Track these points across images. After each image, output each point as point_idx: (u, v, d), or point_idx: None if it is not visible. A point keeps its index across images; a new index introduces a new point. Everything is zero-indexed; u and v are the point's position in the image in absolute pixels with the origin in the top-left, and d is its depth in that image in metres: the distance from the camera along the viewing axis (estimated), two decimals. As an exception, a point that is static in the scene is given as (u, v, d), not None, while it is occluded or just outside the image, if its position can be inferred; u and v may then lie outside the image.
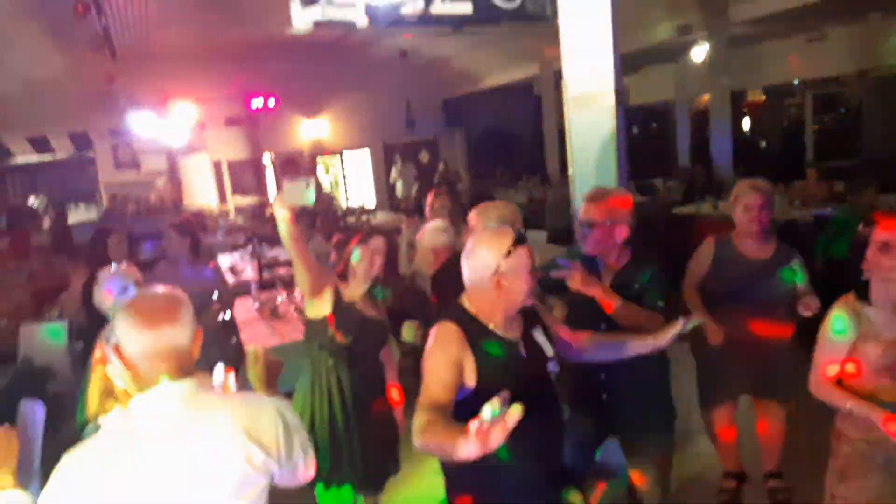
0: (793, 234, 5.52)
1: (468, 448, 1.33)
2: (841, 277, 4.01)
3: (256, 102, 13.07)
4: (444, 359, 1.81)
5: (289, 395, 2.82)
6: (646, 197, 8.82)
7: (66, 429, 2.63)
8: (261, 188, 14.32)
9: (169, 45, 10.05)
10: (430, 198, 4.07)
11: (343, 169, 14.63)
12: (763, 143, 12.94)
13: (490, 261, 1.87)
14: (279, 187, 13.53)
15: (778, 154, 11.85)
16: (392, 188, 14.44)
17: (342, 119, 14.34)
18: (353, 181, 14.74)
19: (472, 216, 2.87)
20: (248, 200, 14.39)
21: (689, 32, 8.92)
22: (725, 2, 7.98)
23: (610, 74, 3.20)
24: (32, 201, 14.69)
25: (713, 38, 8.69)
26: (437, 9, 2.86)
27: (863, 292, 2.16)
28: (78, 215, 13.18)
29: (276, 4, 7.99)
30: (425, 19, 2.86)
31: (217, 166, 14.32)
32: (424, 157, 15.37)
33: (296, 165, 13.71)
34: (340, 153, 14.48)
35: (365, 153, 14.67)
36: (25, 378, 4.16)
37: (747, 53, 10.27)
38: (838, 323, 2.16)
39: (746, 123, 13.32)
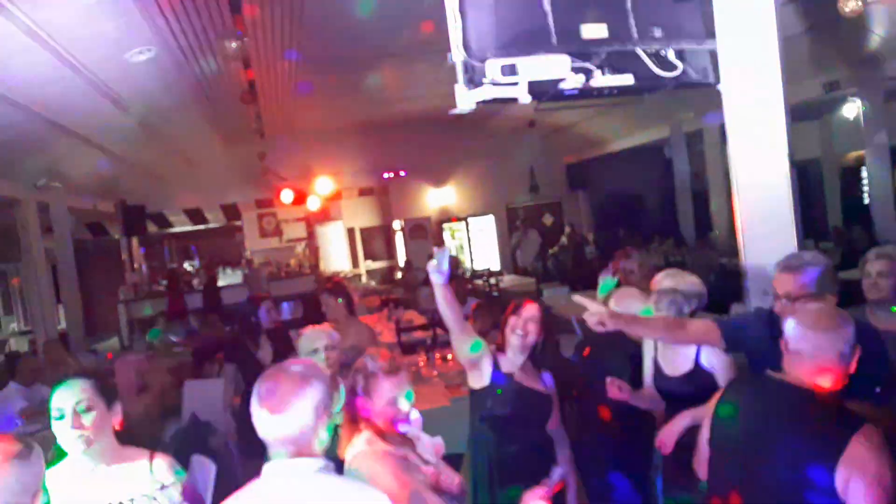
0: None
1: None
2: None
3: (388, 174, 13.81)
4: None
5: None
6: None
7: (225, 483, 2.75)
8: (391, 253, 14.87)
9: (311, 125, 10.93)
10: (618, 261, 4.02)
11: (468, 234, 14.89)
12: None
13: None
14: (408, 252, 14.02)
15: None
16: (513, 254, 14.49)
17: (468, 187, 14.73)
18: (479, 246, 14.94)
19: (660, 279, 2.80)
20: (378, 265, 14.99)
21: (837, 89, 8.47)
22: (878, 58, 7.53)
23: (781, 131, 3.08)
24: (188, 266, 16.11)
25: (866, 94, 8.19)
26: (598, 81, 2.89)
27: None
28: (225, 279, 14.21)
29: (411, 83, 8.47)
30: (586, 93, 2.90)
31: (351, 233, 15.07)
32: (548, 219, 15.40)
33: (423, 231, 14.13)
34: (466, 219, 14.79)
35: (489, 219, 14.89)
36: (192, 433, 4.41)
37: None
38: None
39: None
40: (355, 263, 14.94)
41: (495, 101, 2.83)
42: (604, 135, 13.42)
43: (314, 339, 3.05)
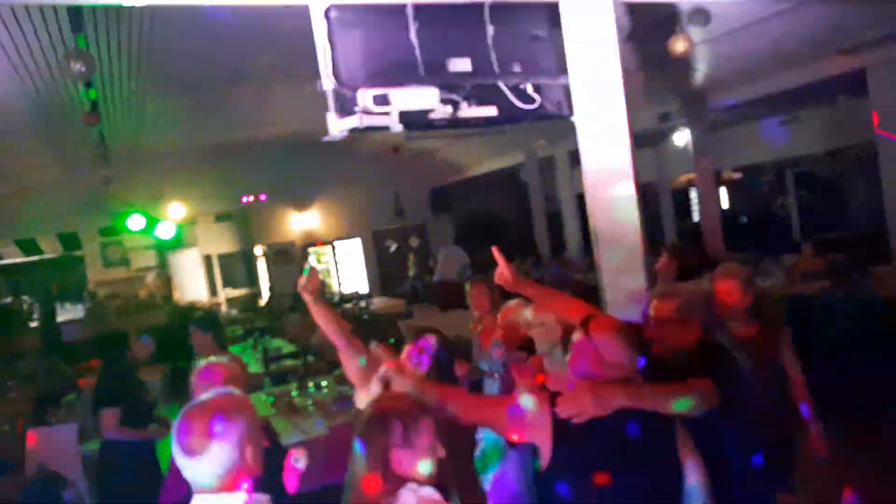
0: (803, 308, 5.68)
1: None
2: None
3: (247, 198, 13.35)
4: None
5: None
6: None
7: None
8: (252, 280, 14.33)
9: (161, 149, 10.34)
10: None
11: (335, 258, 14.73)
12: (744, 219, 13.37)
13: None
14: (272, 278, 13.59)
15: (761, 229, 12.23)
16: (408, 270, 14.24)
17: (332, 211, 14.60)
18: (346, 269, 14.82)
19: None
20: (239, 292, 14.36)
21: (669, 119, 9.41)
22: (703, 91, 8.46)
23: (627, 157, 3.39)
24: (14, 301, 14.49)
25: (693, 124, 9.16)
26: (465, 113, 3.03)
27: None
28: (65, 314, 13.00)
29: (274, 108, 8.30)
30: (454, 122, 3.02)
31: (207, 260, 14.37)
32: (414, 241, 15.63)
33: (288, 256, 13.80)
34: (332, 243, 14.63)
35: (356, 242, 14.84)
36: (40, 485, 4.01)
37: (723, 136, 10.79)
38: None
39: (724, 201, 13.79)
40: (213, 292, 14.24)
41: (367, 129, 2.89)
42: (464, 160, 13.89)
43: (209, 373, 2.88)
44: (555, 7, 3.25)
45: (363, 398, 2.72)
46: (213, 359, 2.93)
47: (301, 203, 14.33)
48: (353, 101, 2.77)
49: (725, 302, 3.13)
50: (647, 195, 13.68)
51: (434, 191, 15.40)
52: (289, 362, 6.75)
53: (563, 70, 3.27)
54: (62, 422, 5.45)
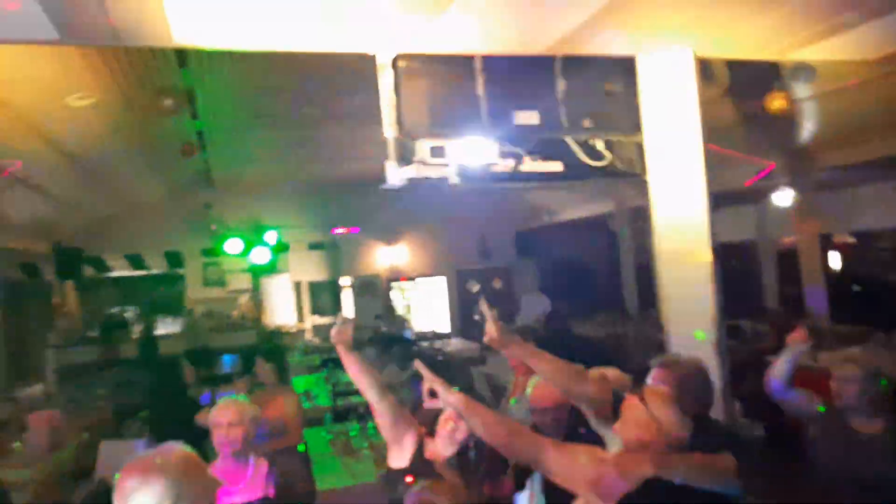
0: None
1: None
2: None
3: (339, 229, 13.75)
4: None
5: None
6: (732, 340, 8.42)
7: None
8: (338, 309, 14.64)
9: (262, 178, 10.87)
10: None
11: (418, 294, 14.82)
12: (856, 287, 12.33)
13: None
14: (356, 309, 13.82)
15: (874, 299, 11.23)
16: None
17: (419, 247, 14.76)
18: (427, 307, 14.87)
19: None
20: (325, 320, 14.70)
21: (772, 177, 8.89)
22: (810, 148, 7.95)
23: (704, 229, 3.17)
24: (125, 313, 15.49)
25: (798, 182, 8.61)
26: (527, 167, 2.95)
27: None
28: (164, 328, 13.74)
29: (367, 152, 8.56)
30: (515, 177, 2.95)
31: (297, 286, 14.83)
32: (497, 282, 15.50)
33: (373, 288, 14.02)
34: (415, 279, 14.74)
35: (441, 280, 14.88)
36: (98, 499, 4.14)
37: (834, 198, 10.08)
38: None
39: (836, 266, 12.81)
40: (301, 318, 14.65)
41: (427, 178, 2.86)
42: (552, 205, 13.70)
43: (219, 414, 2.92)
44: (631, 61, 3.13)
45: (395, 455, 2.64)
46: (224, 399, 2.95)
47: (389, 238, 14.58)
48: (413, 151, 2.76)
49: (845, 392, 2.82)
50: (740, 252, 12.96)
51: (519, 234, 15.25)
52: (356, 399, 6.73)
53: (636, 126, 3.13)
54: (135, 436, 5.65)
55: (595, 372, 2.47)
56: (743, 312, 10.25)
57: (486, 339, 2.39)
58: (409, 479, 2.55)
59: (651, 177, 3.20)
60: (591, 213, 13.00)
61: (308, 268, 14.90)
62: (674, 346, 3.20)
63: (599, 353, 10.29)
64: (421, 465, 2.57)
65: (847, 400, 2.82)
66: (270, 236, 13.37)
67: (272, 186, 11.64)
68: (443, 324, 14.46)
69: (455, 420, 2.59)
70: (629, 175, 3.16)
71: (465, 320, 14.45)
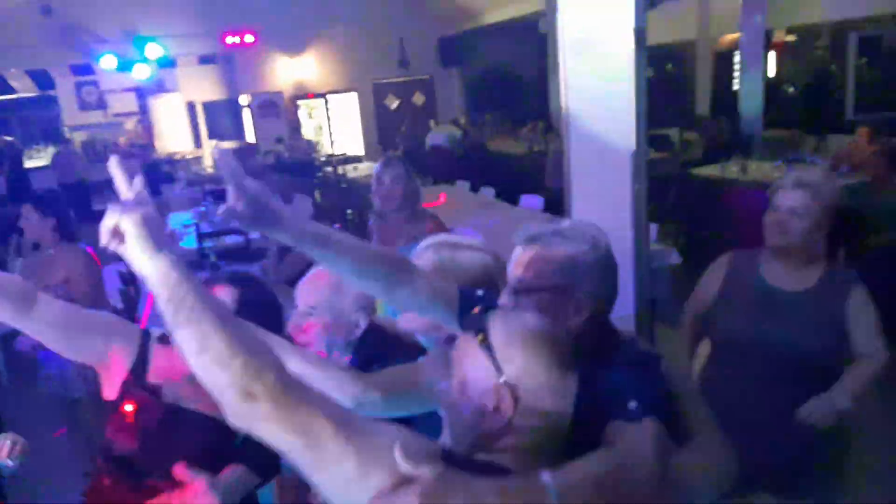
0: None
1: None
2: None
3: (232, 39, 11.89)
4: None
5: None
6: (660, 153, 7.76)
7: None
8: (239, 133, 13.19)
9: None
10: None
11: (328, 113, 13.44)
12: (791, 89, 11.69)
13: None
14: (257, 133, 12.43)
15: (808, 102, 10.66)
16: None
17: (328, 58, 13.09)
18: (339, 127, 13.57)
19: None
20: (226, 145, 13.31)
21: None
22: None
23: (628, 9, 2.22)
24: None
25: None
26: None
27: None
28: (40, 159, 12.16)
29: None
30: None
31: (191, 107, 13.21)
32: (419, 98, 14.22)
33: (275, 108, 12.56)
34: (325, 96, 13.27)
35: (352, 96, 13.44)
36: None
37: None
38: None
39: (771, 68, 12.04)
40: (198, 143, 13.22)
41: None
42: (478, 4, 12.12)
43: None
44: None
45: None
46: None
47: (293, 47, 12.83)
48: None
49: (785, 224, 2.00)
50: (682, 58, 12.01)
51: (443, 40, 13.68)
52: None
53: None
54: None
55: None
56: (671, 121, 9.57)
57: None
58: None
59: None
60: (518, 14, 11.56)
61: (201, 85, 13.18)
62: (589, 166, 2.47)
63: (517, 173, 9.51)
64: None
65: (790, 238, 1.99)
66: (152, 49, 11.50)
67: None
68: (357, 144, 13.33)
69: None
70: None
71: (382, 141, 13.32)
